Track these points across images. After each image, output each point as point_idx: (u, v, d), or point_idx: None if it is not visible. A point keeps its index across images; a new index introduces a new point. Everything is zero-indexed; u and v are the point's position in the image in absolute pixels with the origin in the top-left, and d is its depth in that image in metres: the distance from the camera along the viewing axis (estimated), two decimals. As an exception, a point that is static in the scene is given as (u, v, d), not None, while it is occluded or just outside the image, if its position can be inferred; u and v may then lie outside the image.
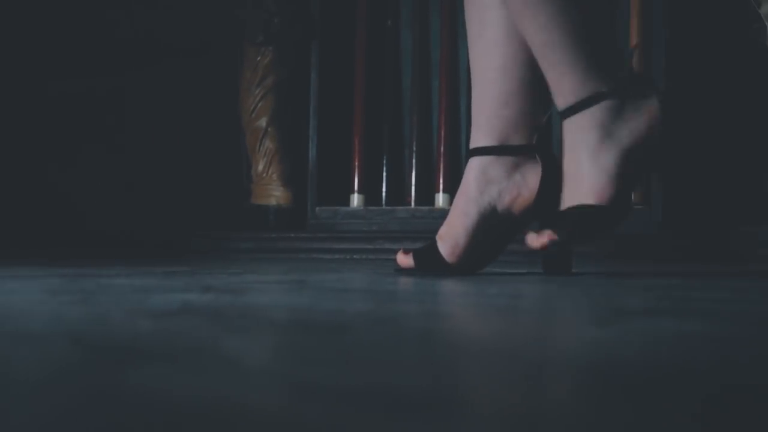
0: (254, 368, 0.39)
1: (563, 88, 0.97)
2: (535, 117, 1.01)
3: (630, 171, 0.94)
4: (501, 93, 0.99)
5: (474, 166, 1.00)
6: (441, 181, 1.68)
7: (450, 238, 0.99)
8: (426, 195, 1.72)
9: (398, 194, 1.76)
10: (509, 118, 0.99)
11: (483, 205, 0.99)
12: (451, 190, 1.66)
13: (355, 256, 1.62)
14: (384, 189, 1.76)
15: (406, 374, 0.37)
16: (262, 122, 1.85)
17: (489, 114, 1.00)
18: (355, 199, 1.74)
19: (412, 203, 1.72)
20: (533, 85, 0.99)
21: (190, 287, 0.82)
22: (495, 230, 0.99)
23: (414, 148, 1.74)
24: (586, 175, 0.95)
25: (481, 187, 0.99)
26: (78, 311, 0.61)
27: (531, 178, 0.99)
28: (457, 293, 0.82)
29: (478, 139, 1.01)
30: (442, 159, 1.69)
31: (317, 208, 1.74)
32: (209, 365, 0.39)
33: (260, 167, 1.86)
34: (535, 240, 0.92)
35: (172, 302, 0.67)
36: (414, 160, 1.74)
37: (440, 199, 1.68)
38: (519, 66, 0.99)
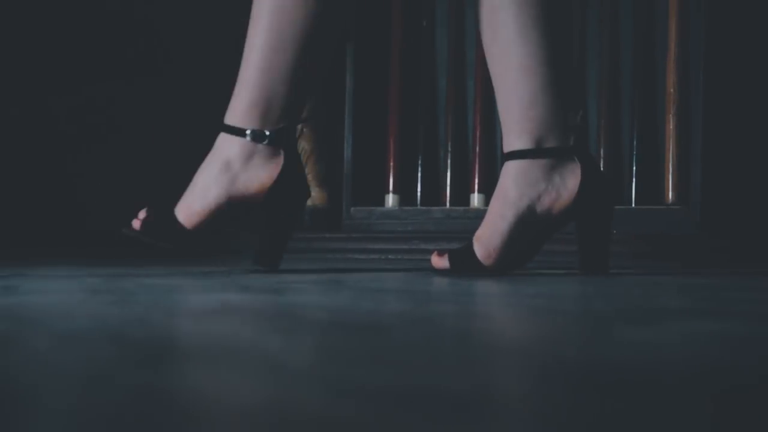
0: (294, 368, 0.39)
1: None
2: (566, 115, 1.00)
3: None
4: (526, 93, 0.98)
5: (510, 170, 0.99)
6: (476, 181, 1.68)
7: (486, 241, 0.99)
8: (461, 195, 1.72)
9: (433, 194, 1.76)
10: (539, 118, 0.99)
11: (521, 208, 0.98)
12: (486, 191, 1.66)
13: (390, 257, 1.62)
14: (419, 189, 1.76)
15: (443, 375, 0.38)
16: (298, 123, 1.86)
17: (518, 116, 0.99)
18: (390, 200, 1.74)
19: (447, 203, 1.72)
20: (557, 83, 0.99)
21: (227, 287, 0.82)
22: (532, 231, 0.99)
23: (449, 149, 1.74)
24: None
25: (519, 191, 0.98)
26: (119, 311, 0.62)
27: (570, 180, 0.99)
28: (494, 294, 0.81)
29: (511, 143, 1.00)
30: (477, 159, 1.68)
31: (352, 209, 1.74)
32: (250, 365, 0.39)
33: (296, 168, 1.87)
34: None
35: (211, 302, 0.68)
36: (449, 161, 1.73)
37: (475, 199, 1.68)
38: (539, 63, 0.98)
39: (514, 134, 0.99)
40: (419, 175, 1.77)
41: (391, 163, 1.75)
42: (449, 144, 1.74)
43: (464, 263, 1.00)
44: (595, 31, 1.59)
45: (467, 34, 1.73)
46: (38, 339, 0.47)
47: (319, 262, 1.51)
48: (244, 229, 1.07)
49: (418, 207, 1.73)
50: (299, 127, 1.76)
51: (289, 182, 1.02)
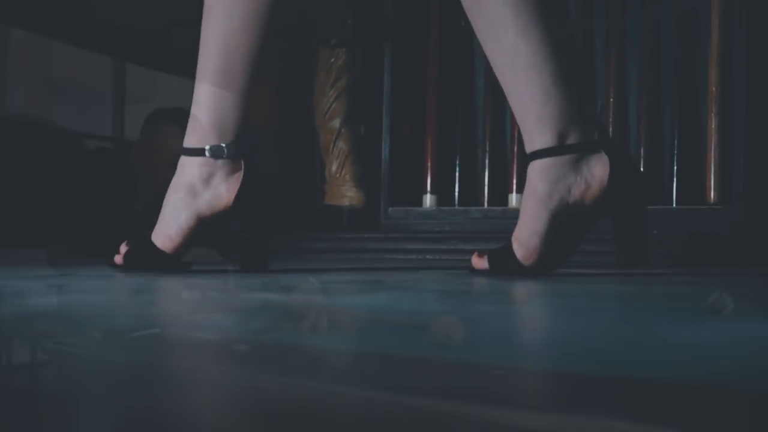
0: (338, 367, 0.39)
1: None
2: (582, 107, 0.99)
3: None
4: (538, 90, 0.98)
5: (537, 169, 0.99)
6: (514, 181, 1.68)
7: (525, 241, 0.99)
8: (499, 195, 1.72)
9: (471, 194, 1.76)
10: (556, 113, 0.98)
11: (554, 206, 0.98)
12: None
13: (428, 257, 1.62)
14: (457, 189, 1.76)
15: (483, 375, 0.38)
16: (336, 123, 1.86)
17: (535, 115, 0.99)
18: (428, 200, 1.74)
19: (485, 203, 1.72)
20: (567, 76, 0.98)
21: (268, 287, 0.83)
22: (567, 226, 0.99)
23: (487, 149, 1.73)
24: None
25: (549, 188, 0.98)
26: (162, 310, 0.62)
27: (597, 169, 0.98)
28: (535, 293, 0.81)
29: (534, 142, 0.99)
30: (515, 159, 1.68)
31: (390, 209, 1.74)
32: (296, 364, 0.40)
33: (333, 168, 1.87)
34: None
35: (253, 301, 0.68)
36: (487, 161, 1.73)
37: (513, 199, 1.67)
38: (545, 59, 0.97)
39: (536, 133, 0.99)
40: (457, 175, 1.76)
41: (429, 164, 1.74)
42: (487, 144, 1.74)
43: (504, 264, 1.00)
44: (636, 29, 1.58)
45: (505, 34, 1.73)
46: (85, 338, 0.48)
47: (357, 261, 1.52)
48: (223, 242, 1.12)
49: (456, 207, 1.73)
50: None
51: (252, 191, 1.05)
